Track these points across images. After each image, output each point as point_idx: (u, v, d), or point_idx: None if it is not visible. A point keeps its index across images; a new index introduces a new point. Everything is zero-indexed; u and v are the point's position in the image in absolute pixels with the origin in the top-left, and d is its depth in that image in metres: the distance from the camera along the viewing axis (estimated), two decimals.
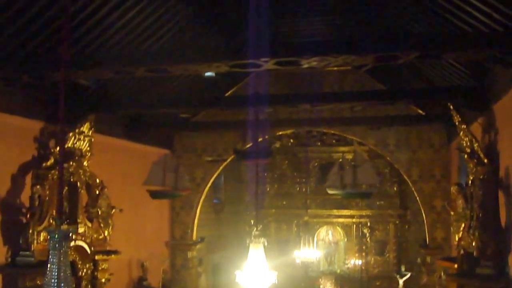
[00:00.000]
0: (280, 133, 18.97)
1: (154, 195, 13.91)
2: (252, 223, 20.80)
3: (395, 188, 22.64)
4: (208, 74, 12.96)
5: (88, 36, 9.73)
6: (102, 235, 11.85)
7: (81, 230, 11.26)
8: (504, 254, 9.10)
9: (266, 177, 23.74)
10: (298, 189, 23.69)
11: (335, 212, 23.18)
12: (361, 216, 23.09)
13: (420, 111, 16.07)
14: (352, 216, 23.18)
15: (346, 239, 23.56)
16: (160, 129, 16.20)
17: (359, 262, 23.07)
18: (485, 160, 9.81)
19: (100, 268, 11.71)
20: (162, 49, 11.66)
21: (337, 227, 23.67)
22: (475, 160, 10.01)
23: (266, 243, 9.59)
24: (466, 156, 10.37)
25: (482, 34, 8.51)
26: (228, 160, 17.57)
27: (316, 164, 23.40)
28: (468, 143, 10.39)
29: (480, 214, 9.68)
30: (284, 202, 23.75)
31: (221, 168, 17.91)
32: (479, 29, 8.64)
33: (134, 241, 14.59)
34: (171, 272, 17.50)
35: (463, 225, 10.91)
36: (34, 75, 9.07)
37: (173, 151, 17.26)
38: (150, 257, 15.44)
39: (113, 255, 11.98)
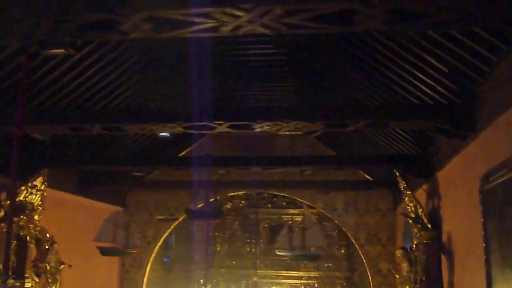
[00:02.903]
0: (232, 194, 19.21)
1: (104, 251, 13.85)
2: (202, 282, 20.88)
3: (342, 251, 22.80)
4: (163, 134, 13.17)
5: (45, 93, 9.91)
6: None
7: (28, 285, 11.05)
8: None
9: (216, 237, 23.79)
10: (248, 249, 23.70)
11: (284, 273, 23.20)
12: (309, 278, 23.15)
13: (368, 177, 16.51)
14: (300, 277, 23.23)
15: None
16: (113, 186, 16.25)
17: None
18: (429, 225, 10.08)
19: None
20: (118, 108, 11.89)
21: None
22: (419, 225, 10.27)
23: None
24: (410, 221, 10.61)
25: (427, 106, 8.93)
26: (180, 219, 17.66)
27: (266, 225, 23.51)
28: (413, 209, 10.63)
29: (424, 278, 9.90)
30: (234, 262, 23.71)
31: (172, 227, 17.98)
32: (424, 101, 9.05)
33: None
34: None
35: (407, 287, 11.18)
36: None
37: (125, 209, 17.28)
38: None
39: None
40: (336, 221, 17.77)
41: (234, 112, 8.87)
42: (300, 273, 23.13)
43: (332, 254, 22.58)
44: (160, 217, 17.62)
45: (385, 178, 14.76)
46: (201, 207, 15.87)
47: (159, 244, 17.87)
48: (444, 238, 9.72)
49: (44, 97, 9.96)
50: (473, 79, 7.37)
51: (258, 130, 8.72)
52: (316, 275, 23.02)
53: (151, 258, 17.71)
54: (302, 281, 23.25)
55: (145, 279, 17.64)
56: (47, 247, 11.71)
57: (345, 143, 15.85)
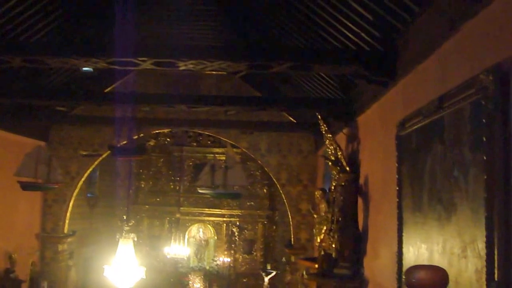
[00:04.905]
0: (157, 131, 19.18)
1: (25, 186, 13.75)
2: (124, 218, 20.98)
3: (265, 190, 23.32)
4: (85, 69, 12.95)
5: None
6: None
7: None
8: (360, 256, 9.59)
9: (141, 174, 23.86)
10: (172, 187, 23.94)
11: (207, 210, 23.59)
12: (231, 216, 23.64)
13: (291, 119, 16.73)
14: (223, 215, 23.69)
15: (216, 237, 24.05)
16: (37, 121, 15.96)
17: (227, 259, 23.62)
18: (347, 168, 10.20)
19: None
20: (40, 41, 11.59)
21: (208, 225, 24.11)
22: (338, 168, 10.40)
23: (136, 239, 9.76)
24: (330, 163, 10.72)
25: (349, 51, 8.95)
26: (104, 155, 17.57)
27: (190, 163, 23.72)
28: (333, 151, 10.71)
29: (340, 218, 10.05)
30: (158, 199, 23.94)
31: (96, 162, 17.88)
32: (348, 46, 9.15)
33: (2, 232, 14.37)
34: (41, 264, 17.24)
35: (324, 227, 11.37)
36: None
37: (49, 143, 17.06)
38: (18, 249, 15.23)
39: None
40: (259, 161, 18.01)
41: (159, 49, 8.78)
42: (222, 211, 23.57)
43: (254, 193, 23.09)
44: (84, 153, 17.48)
45: (308, 121, 14.93)
46: (124, 143, 15.84)
47: (82, 179, 17.78)
48: (361, 181, 9.93)
49: None
50: (395, 27, 7.53)
51: (182, 68, 8.66)
52: (239, 213, 23.53)
53: (74, 194, 17.64)
54: (224, 219, 23.72)
55: (68, 214, 17.58)
56: None
57: (271, 85, 15.97)
